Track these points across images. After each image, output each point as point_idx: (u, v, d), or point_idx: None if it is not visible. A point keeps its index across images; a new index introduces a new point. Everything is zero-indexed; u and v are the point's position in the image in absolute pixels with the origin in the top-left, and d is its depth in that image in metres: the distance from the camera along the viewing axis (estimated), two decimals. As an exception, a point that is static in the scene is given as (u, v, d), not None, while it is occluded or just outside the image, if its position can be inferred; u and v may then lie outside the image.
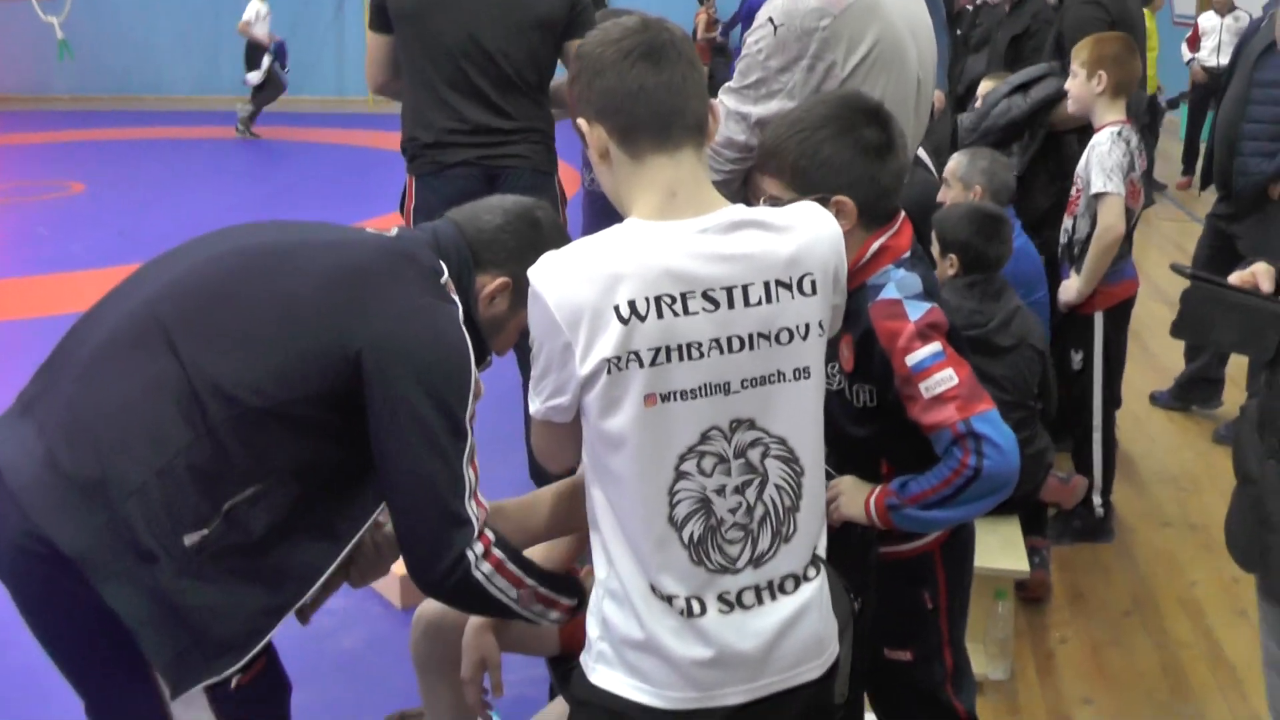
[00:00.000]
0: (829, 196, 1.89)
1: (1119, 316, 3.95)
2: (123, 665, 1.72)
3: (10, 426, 1.80)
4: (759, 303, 1.58)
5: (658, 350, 1.54)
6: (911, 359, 1.85)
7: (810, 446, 1.66)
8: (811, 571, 1.69)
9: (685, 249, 1.57)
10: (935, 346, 1.86)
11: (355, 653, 3.31)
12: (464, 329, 1.82)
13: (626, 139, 1.62)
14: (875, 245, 1.95)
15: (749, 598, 1.63)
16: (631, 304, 1.53)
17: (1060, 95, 4.08)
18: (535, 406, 1.64)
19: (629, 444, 1.57)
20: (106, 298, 1.89)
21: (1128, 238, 3.85)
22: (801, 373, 1.62)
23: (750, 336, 1.58)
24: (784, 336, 1.60)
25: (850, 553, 2.01)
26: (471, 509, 1.77)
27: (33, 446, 1.73)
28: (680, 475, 1.58)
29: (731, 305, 1.57)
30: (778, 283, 1.59)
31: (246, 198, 9.37)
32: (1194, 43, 10.28)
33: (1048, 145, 4.29)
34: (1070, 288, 3.85)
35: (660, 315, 1.54)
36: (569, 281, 1.55)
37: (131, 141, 12.73)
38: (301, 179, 10.45)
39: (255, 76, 12.63)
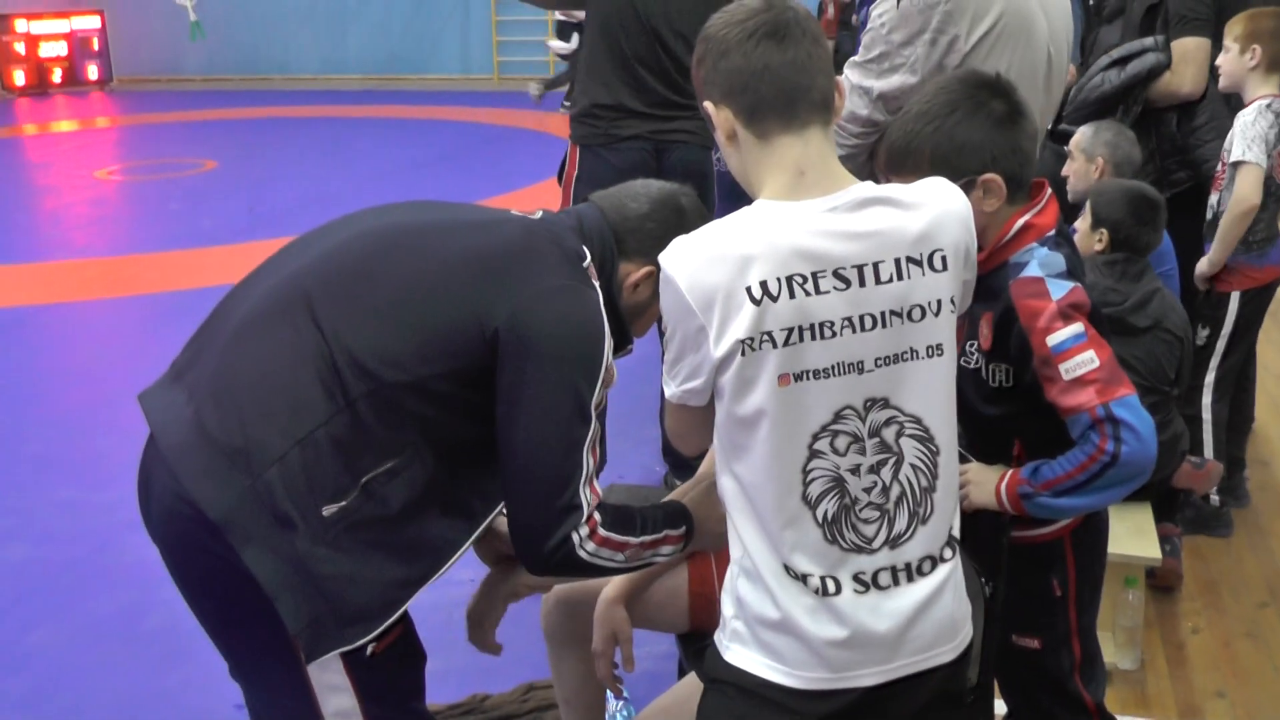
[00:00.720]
0: (976, 178, 1.88)
1: (1258, 301, 3.83)
2: (263, 629, 1.77)
3: (164, 392, 1.88)
4: (890, 280, 1.58)
5: (791, 330, 1.55)
6: (1053, 339, 1.83)
7: (945, 425, 1.65)
8: (948, 553, 1.68)
9: (815, 228, 1.57)
10: (1077, 327, 1.84)
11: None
12: (603, 313, 1.84)
13: (753, 119, 1.62)
14: (1020, 223, 1.92)
15: (885, 578, 1.63)
16: (764, 285, 1.54)
17: (1159, 70, 3.98)
18: (671, 390, 1.65)
19: (763, 423, 1.57)
20: (256, 271, 1.95)
21: (1276, 217, 3.73)
22: (935, 350, 1.61)
23: (883, 315, 1.58)
24: (916, 314, 1.59)
25: (982, 536, 1.99)
26: (585, 495, 1.78)
27: (182, 411, 1.80)
28: (814, 454, 1.59)
29: (863, 283, 1.57)
30: (908, 259, 1.59)
31: (372, 174, 9.56)
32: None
33: (1146, 121, 4.16)
34: (1204, 261, 3.75)
35: (792, 295, 1.54)
36: (700, 265, 1.56)
37: (260, 120, 13.08)
38: (427, 156, 10.61)
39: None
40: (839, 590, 1.62)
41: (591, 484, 1.80)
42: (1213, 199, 3.84)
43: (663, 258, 1.60)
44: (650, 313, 2.04)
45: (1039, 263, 1.89)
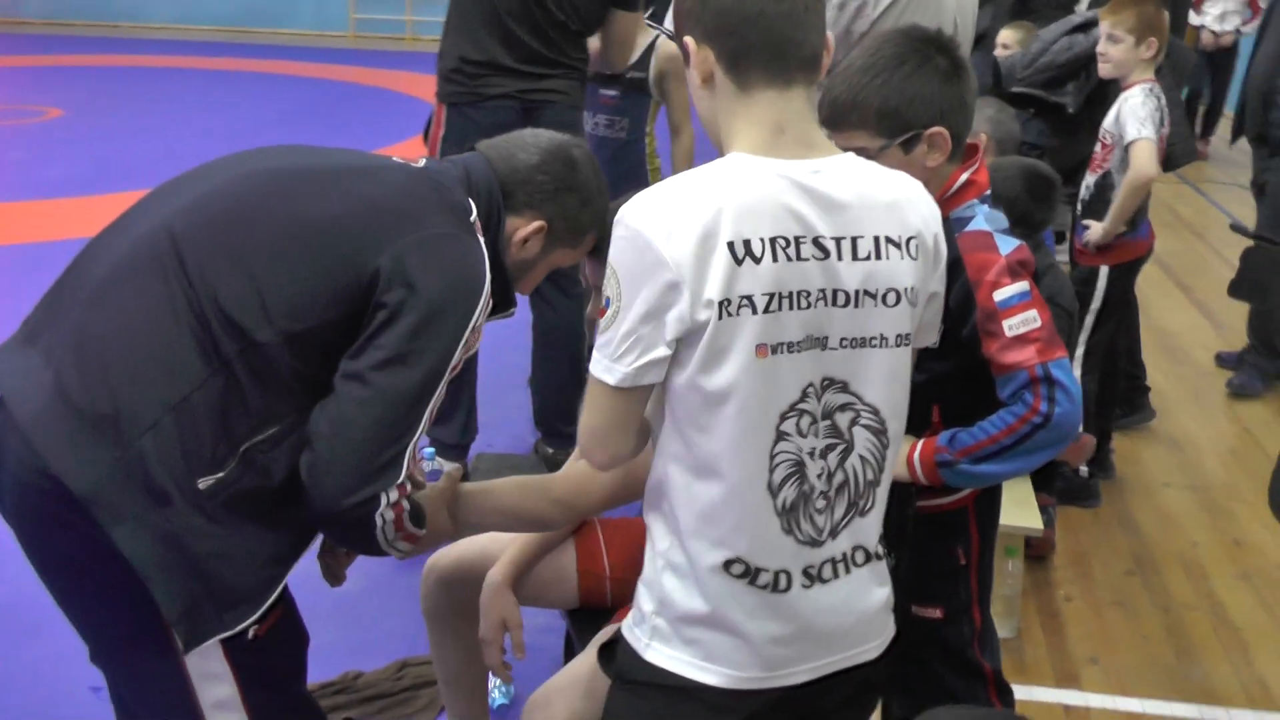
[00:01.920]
0: (922, 132, 1.83)
1: (1126, 276, 3.93)
2: (132, 612, 1.63)
3: (15, 355, 1.70)
4: (868, 257, 1.49)
5: (772, 296, 1.44)
6: (1000, 294, 1.80)
7: (897, 418, 1.57)
8: (880, 547, 1.63)
9: (798, 190, 1.46)
10: (1023, 285, 1.82)
11: (354, 597, 3.23)
12: (486, 268, 1.72)
13: (735, 66, 1.50)
14: (963, 178, 1.90)
15: (828, 571, 1.55)
16: (746, 243, 1.42)
17: None
18: (616, 372, 1.45)
19: (733, 400, 1.45)
20: (119, 220, 1.78)
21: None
22: (902, 339, 1.54)
23: (856, 293, 1.49)
24: (890, 298, 1.51)
25: (887, 507, 1.95)
26: (409, 456, 1.65)
27: (40, 376, 1.63)
28: (780, 435, 1.48)
29: (840, 256, 1.47)
30: (888, 239, 1.50)
31: (227, 130, 9.17)
32: (1199, 6, 10.18)
33: (1095, 92, 4.26)
34: (1096, 229, 3.82)
35: (775, 258, 1.43)
36: (673, 217, 1.43)
37: (108, 68, 12.44)
38: (283, 112, 10.24)
39: None
40: (789, 586, 1.53)
41: (415, 449, 1.67)
42: (1088, 180, 3.93)
43: (626, 211, 1.46)
44: (535, 271, 1.94)
45: (984, 218, 1.87)
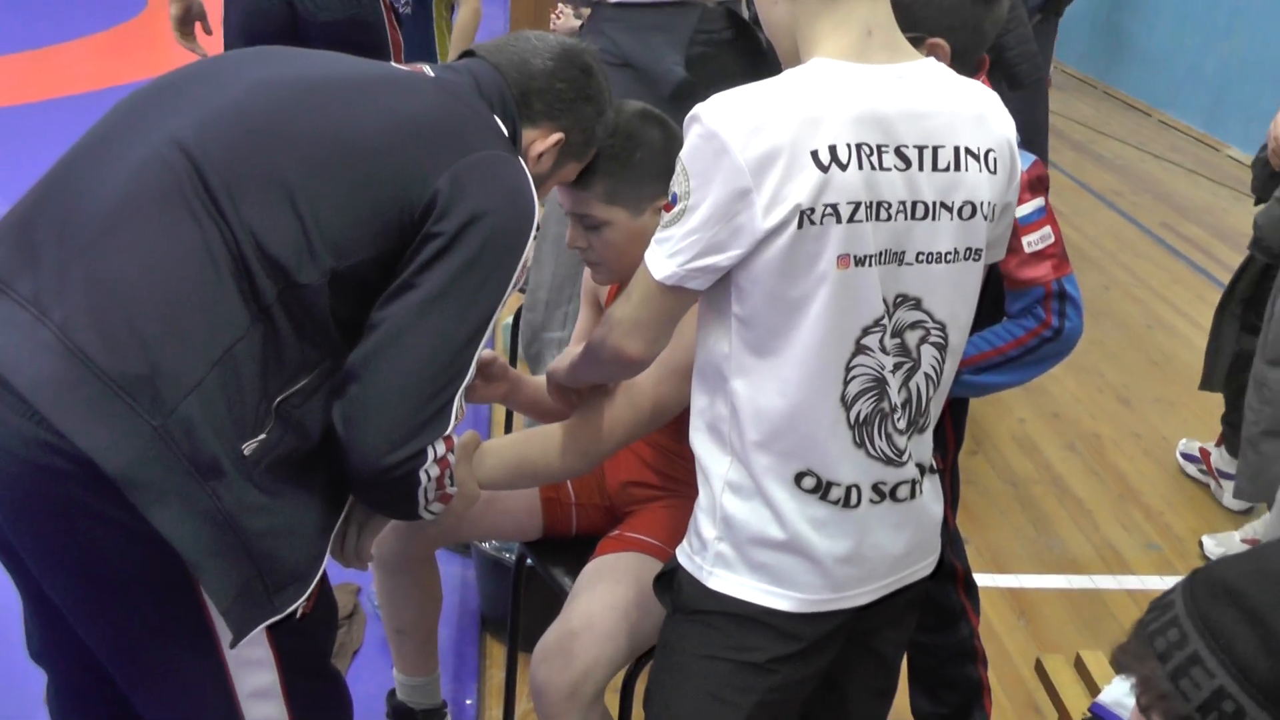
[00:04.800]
0: (925, 37, 1.73)
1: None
2: (163, 602, 1.38)
3: None
4: (946, 168, 1.42)
5: (857, 205, 1.36)
6: (1021, 211, 1.76)
7: (962, 334, 1.53)
8: (934, 461, 1.59)
9: (885, 96, 1.38)
10: (1041, 201, 1.81)
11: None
12: (534, 191, 1.54)
13: None
14: None
15: (903, 491, 1.52)
16: (832, 149, 1.34)
17: None
18: (666, 268, 1.39)
19: (812, 310, 1.38)
20: (95, 142, 1.46)
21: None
22: (973, 253, 1.48)
23: (933, 205, 1.41)
24: (966, 211, 1.44)
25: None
26: (459, 404, 1.48)
27: (33, 333, 1.32)
28: (859, 349, 1.42)
29: (920, 166, 1.40)
30: (967, 150, 1.43)
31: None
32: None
33: None
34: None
35: (860, 166, 1.35)
36: (756, 121, 1.34)
37: None
38: None
39: None
40: (859, 501, 1.48)
41: (462, 399, 1.49)
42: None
43: (704, 110, 1.35)
44: (546, 186, 1.75)
45: None
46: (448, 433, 1.45)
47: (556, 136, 1.66)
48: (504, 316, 1.69)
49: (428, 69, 1.62)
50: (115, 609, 1.41)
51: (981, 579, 3.06)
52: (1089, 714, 1.94)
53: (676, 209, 1.39)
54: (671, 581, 1.57)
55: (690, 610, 1.54)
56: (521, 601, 2.25)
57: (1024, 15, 4.18)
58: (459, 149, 1.48)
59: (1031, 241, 1.80)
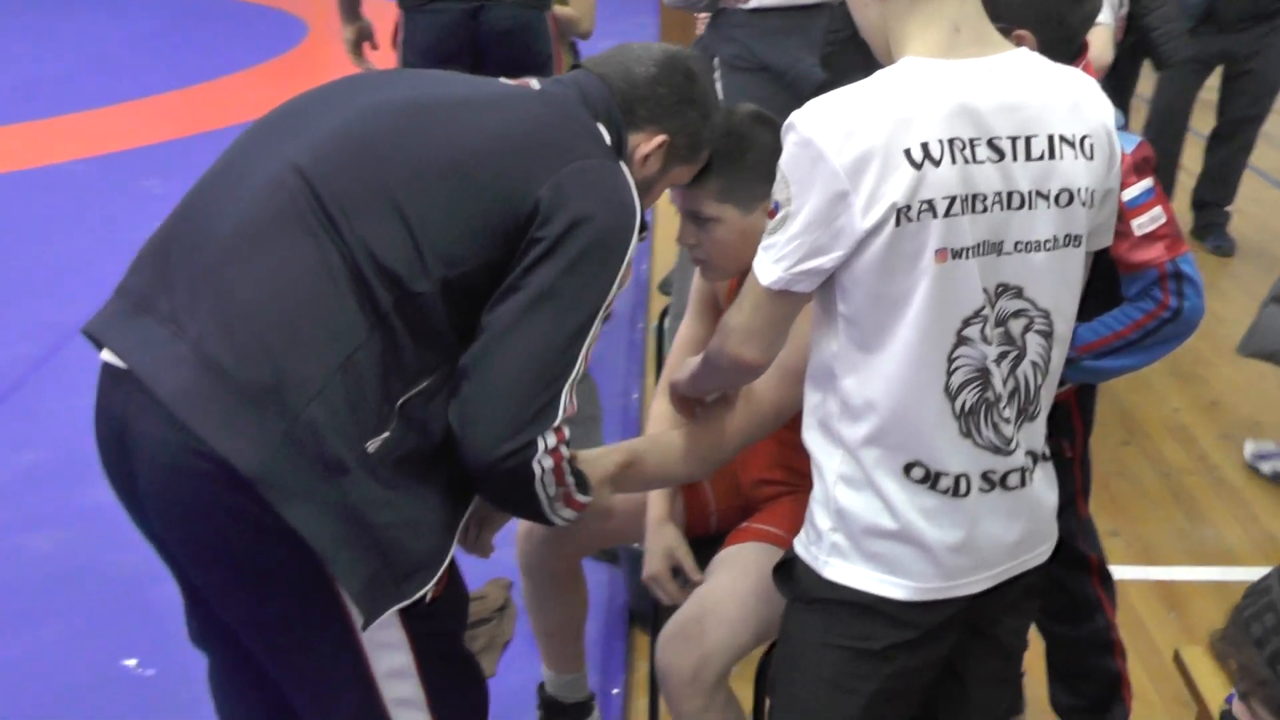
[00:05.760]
0: (1010, 28, 1.75)
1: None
2: (300, 591, 1.50)
3: (132, 326, 1.51)
4: (1041, 157, 1.44)
5: (952, 199, 1.39)
6: (1128, 194, 1.77)
7: (1067, 322, 1.55)
8: (1046, 449, 1.61)
9: (975, 90, 1.41)
10: (1149, 182, 1.79)
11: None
12: (636, 194, 1.62)
13: None
14: None
15: (1014, 480, 1.54)
16: (925, 146, 1.38)
17: None
18: (774, 274, 1.45)
19: (913, 303, 1.42)
20: (219, 168, 1.60)
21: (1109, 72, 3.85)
22: (1074, 240, 1.50)
23: (1029, 194, 1.44)
24: (1064, 198, 1.46)
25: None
26: (566, 398, 1.55)
27: (173, 349, 1.46)
28: (961, 340, 1.45)
29: (1015, 157, 1.42)
30: (1061, 138, 1.45)
31: (91, 54, 8.59)
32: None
33: None
34: None
35: (954, 160, 1.39)
36: (849, 125, 1.39)
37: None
38: (146, 31, 9.63)
39: None
40: (968, 490, 1.51)
41: (573, 392, 1.56)
42: None
43: (799, 117, 1.41)
44: (655, 189, 1.82)
45: None
46: (556, 424, 1.53)
47: (661, 138, 1.73)
48: (652, 320, 1.78)
49: (534, 83, 1.72)
50: (256, 598, 1.54)
51: (1131, 571, 3.05)
52: (1226, 705, 1.91)
53: (779, 216, 1.44)
54: (790, 571, 1.62)
55: (808, 599, 1.59)
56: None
57: None
58: (560, 158, 1.56)
59: (1142, 223, 1.79)
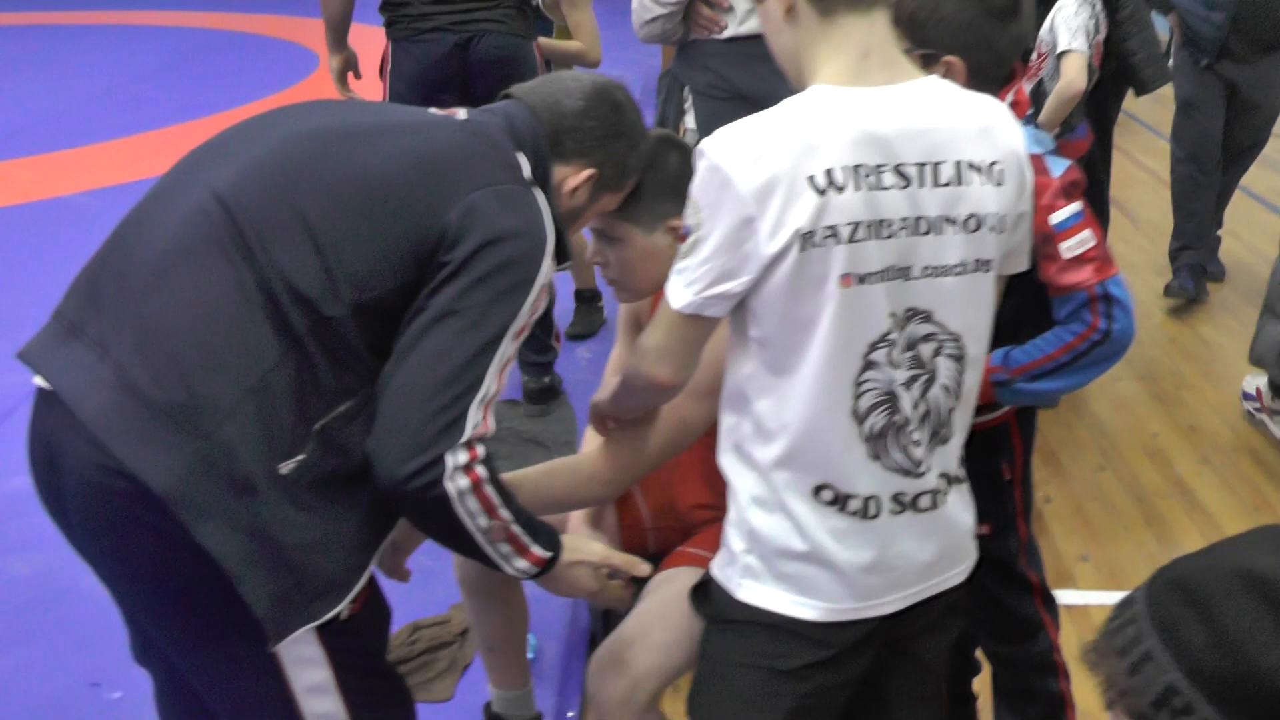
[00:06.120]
0: (938, 55, 1.78)
1: (1068, 174, 3.98)
2: (219, 607, 1.53)
3: (61, 350, 1.57)
4: (948, 183, 1.47)
5: (856, 225, 1.42)
6: (1055, 217, 1.80)
7: (978, 344, 1.57)
8: (961, 471, 1.63)
9: (882, 117, 1.44)
10: (1077, 206, 1.82)
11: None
12: (549, 223, 1.65)
13: None
14: (1006, 99, 1.86)
15: (925, 501, 1.56)
16: (829, 173, 1.41)
17: None
18: (685, 298, 1.48)
19: (819, 329, 1.45)
20: (150, 199, 1.65)
21: (1087, 98, 3.88)
22: (983, 265, 1.52)
23: (937, 220, 1.47)
24: (971, 223, 1.49)
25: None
26: (475, 415, 1.54)
27: (97, 371, 1.51)
28: (868, 364, 1.48)
29: (922, 183, 1.45)
30: (970, 165, 1.48)
31: (94, 89, 8.73)
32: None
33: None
34: None
35: (858, 187, 1.42)
36: (756, 151, 1.42)
37: (-46, 30, 11.72)
38: (150, 66, 9.77)
39: None
40: (878, 512, 1.53)
41: (486, 410, 1.56)
42: (1025, 88, 3.96)
43: (708, 145, 1.45)
44: (583, 219, 1.86)
45: (1033, 140, 1.83)
46: (464, 440, 1.52)
47: (589, 172, 1.77)
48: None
49: (462, 112, 1.75)
50: (177, 613, 1.58)
51: (1099, 596, 3.05)
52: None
53: (690, 240, 1.48)
54: (707, 593, 1.65)
55: (724, 620, 1.62)
56: (614, 620, 2.36)
57: (1148, 18, 4.11)
58: (471, 183, 1.59)
59: (1070, 247, 1.80)
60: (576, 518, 2.08)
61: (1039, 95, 3.90)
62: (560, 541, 1.71)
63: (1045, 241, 1.82)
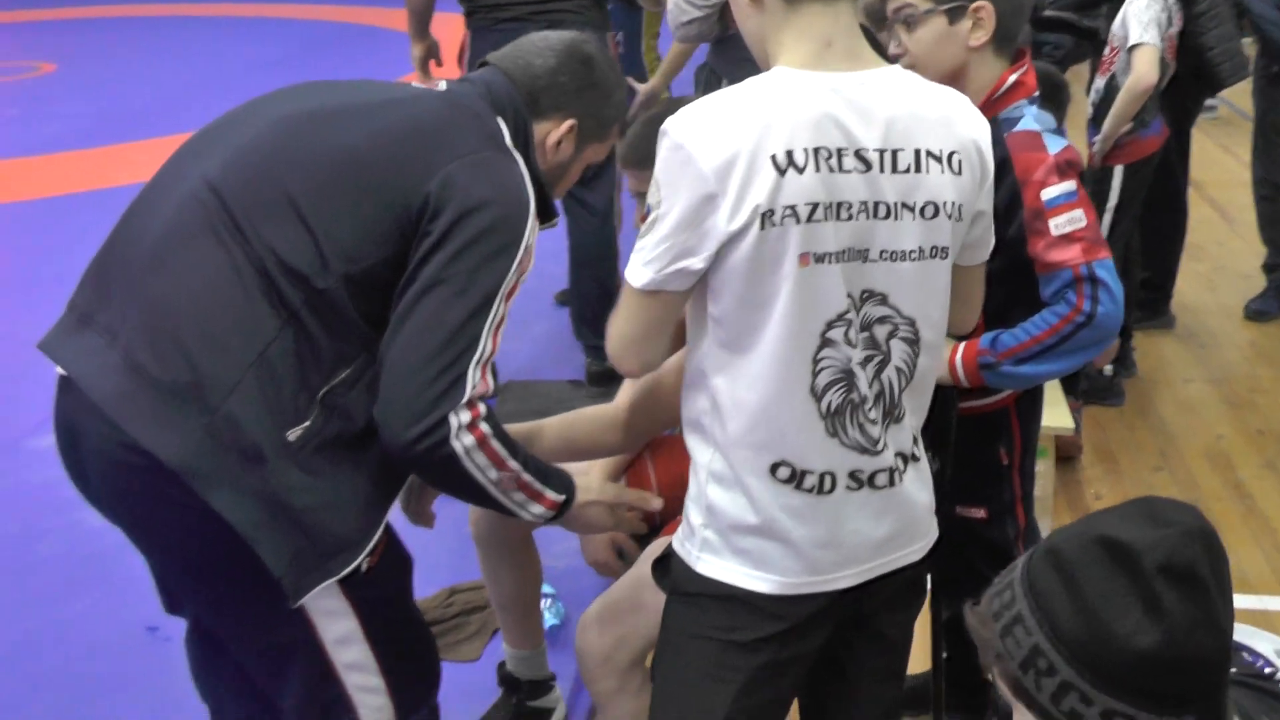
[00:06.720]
0: (968, 4, 1.84)
1: (1140, 173, 3.92)
2: (244, 569, 1.63)
3: (74, 338, 1.69)
4: (908, 170, 1.50)
5: (815, 206, 1.46)
6: (1047, 193, 1.83)
7: (935, 329, 1.60)
8: (918, 450, 1.65)
9: (842, 102, 1.48)
10: (1071, 184, 1.84)
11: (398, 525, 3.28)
12: (530, 189, 1.73)
13: None
14: (1012, 78, 1.92)
15: (881, 479, 1.59)
16: (789, 154, 1.44)
17: None
18: (646, 275, 1.50)
19: (777, 307, 1.48)
20: (150, 186, 1.77)
21: (1160, 94, 3.83)
22: (940, 252, 1.55)
23: (895, 205, 1.50)
24: (929, 211, 1.52)
25: (930, 410, 1.98)
26: (474, 376, 1.61)
27: (106, 357, 1.63)
28: (825, 343, 1.51)
29: (881, 169, 1.49)
30: (928, 153, 1.51)
31: (220, 76, 9.10)
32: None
33: None
34: (1100, 138, 3.85)
35: (817, 168, 1.45)
36: (718, 130, 1.45)
37: (101, 20, 12.32)
38: (276, 55, 10.14)
39: None
40: (834, 488, 1.56)
41: (484, 370, 1.63)
42: (1098, 83, 3.94)
43: (671, 123, 1.48)
44: (572, 171, 1.94)
45: (1034, 118, 1.88)
46: (465, 400, 1.61)
47: (569, 123, 1.85)
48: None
49: (443, 83, 1.84)
50: (203, 574, 1.70)
51: (1137, 593, 3.01)
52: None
53: (650, 219, 1.50)
54: (668, 565, 1.69)
55: (683, 593, 1.65)
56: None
57: (1227, 11, 4.02)
58: (450, 153, 1.67)
59: (1060, 224, 1.82)
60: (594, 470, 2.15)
61: (1111, 90, 3.86)
62: (573, 484, 1.79)
63: (1036, 217, 1.84)
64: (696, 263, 1.48)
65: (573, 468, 1.90)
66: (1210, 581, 1.10)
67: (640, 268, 1.51)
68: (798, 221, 1.46)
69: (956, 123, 1.56)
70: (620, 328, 1.56)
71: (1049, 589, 1.12)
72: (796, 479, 1.55)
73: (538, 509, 1.74)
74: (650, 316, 1.54)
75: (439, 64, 4.06)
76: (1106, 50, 3.87)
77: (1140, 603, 1.07)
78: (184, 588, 1.79)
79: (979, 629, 1.18)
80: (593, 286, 3.96)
